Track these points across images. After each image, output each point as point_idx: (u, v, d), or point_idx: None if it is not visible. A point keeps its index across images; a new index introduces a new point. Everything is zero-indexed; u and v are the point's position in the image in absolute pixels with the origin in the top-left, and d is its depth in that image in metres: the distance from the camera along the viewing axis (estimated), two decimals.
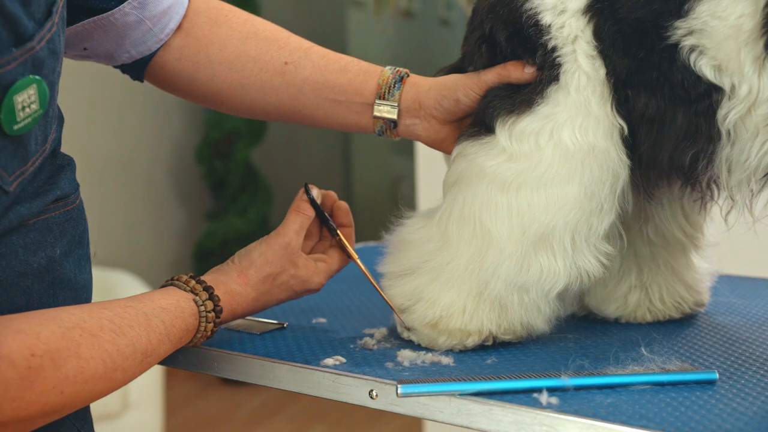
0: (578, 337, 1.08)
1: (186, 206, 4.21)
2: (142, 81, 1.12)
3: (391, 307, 1.08)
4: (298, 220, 1.09)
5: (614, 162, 1.00)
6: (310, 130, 4.56)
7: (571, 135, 1.00)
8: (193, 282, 0.99)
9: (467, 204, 1.03)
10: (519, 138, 1.01)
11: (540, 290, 1.01)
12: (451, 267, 1.03)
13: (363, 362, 0.98)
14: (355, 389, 0.93)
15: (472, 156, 1.04)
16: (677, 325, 1.12)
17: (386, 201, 4.63)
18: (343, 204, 1.14)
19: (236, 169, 4.12)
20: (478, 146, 1.04)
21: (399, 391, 0.87)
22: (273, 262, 1.05)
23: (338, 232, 1.11)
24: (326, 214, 1.11)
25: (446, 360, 0.98)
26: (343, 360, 0.98)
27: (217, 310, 0.98)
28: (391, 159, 4.92)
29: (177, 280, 0.99)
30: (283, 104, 1.11)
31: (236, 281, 1.02)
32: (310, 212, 1.09)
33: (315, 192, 1.11)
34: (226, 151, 4.12)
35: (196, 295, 0.97)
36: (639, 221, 1.13)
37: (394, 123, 1.09)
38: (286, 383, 0.97)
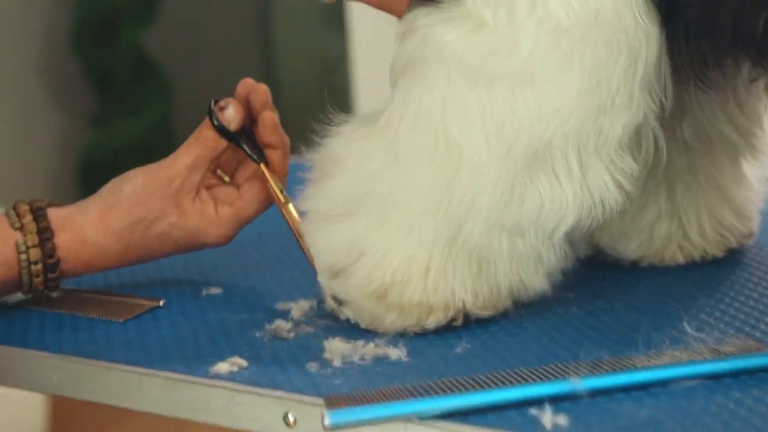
0: (582, 297, 0.89)
1: (62, 109, 3.96)
2: None
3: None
4: (193, 153, 0.92)
5: (629, 32, 0.79)
6: (216, 4, 4.30)
7: (564, 2, 0.80)
8: (29, 217, 0.89)
9: (425, 102, 0.83)
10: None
11: (541, 230, 0.82)
12: (405, 197, 0.83)
13: (273, 363, 0.78)
14: (262, 412, 0.73)
15: (427, 28, 0.83)
16: (725, 272, 0.94)
17: (318, 95, 4.41)
18: (269, 116, 0.94)
19: (124, 59, 3.88)
20: (435, 13, 0.83)
21: (326, 422, 0.68)
22: (147, 203, 0.90)
23: (261, 165, 0.93)
24: (241, 137, 0.93)
25: (396, 352, 0.79)
26: (244, 363, 0.78)
27: (50, 264, 0.88)
28: (321, 35, 4.68)
29: (16, 208, 0.90)
30: None
31: (93, 224, 0.90)
32: (215, 143, 0.92)
33: (230, 112, 0.92)
34: (109, 36, 3.86)
35: (25, 236, 0.88)
36: (671, 119, 0.93)
37: None
38: (159, 405, 0.78)
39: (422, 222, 0.83)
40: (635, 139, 0.84)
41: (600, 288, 0.91)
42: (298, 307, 0.89)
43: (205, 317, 0.89)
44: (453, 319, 0.83)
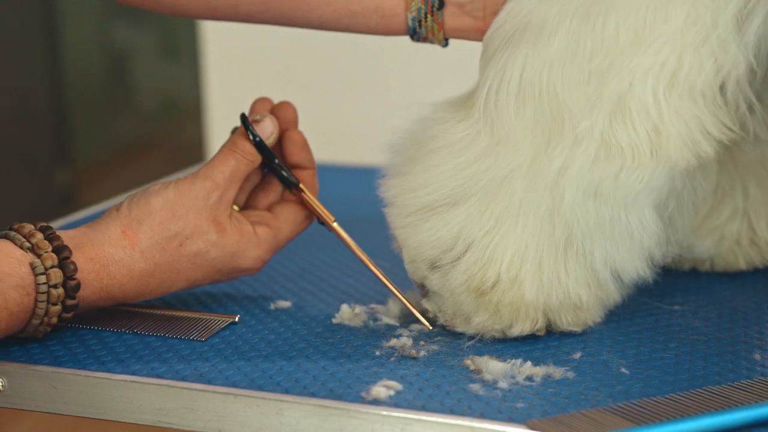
0: (692, 311, 0.85)
1: None
2: None
3: (399, 297, 0.82)
4: (231, 164, 0.83)
5: None
6: None
7: None
8: (39, 235, 0.76)
9: (529, 65, 0.77)
10: None
11: (621, 193, 0.77)
12: (507, 178, 0.78)
13: (429, 386, 0.70)
14: None
15: None
16: None
17: (106, 85, 4.23)
18: (298, 134, 0.87)
19: None
20: None
21: None
22: (183, 218, 0.80)
23: (302, 186, 0.85)
24: (278, 161, 0.85)
25: (557, 371, 0.73)
26: (399, 387, 0.70)
27: (70, 286, 0.75)
28: (110, 28, 4.49)
29: (17, 229, 0.77)
30: None
31: (116, 241, 0.78)
32: (252, 156, 0.84)
33: (268, 125, 0.85)
34: None
35: (38, 256, 0.75)
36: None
37: (439, 1, 0.82)
38: None
39: (526, 206, 0.77)
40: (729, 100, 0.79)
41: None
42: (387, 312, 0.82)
43: (298, 333, 0.80)
44: (537, 330, 0.79)
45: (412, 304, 0.81)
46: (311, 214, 0.85)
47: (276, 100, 0.88)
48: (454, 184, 0.79)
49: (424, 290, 0.81)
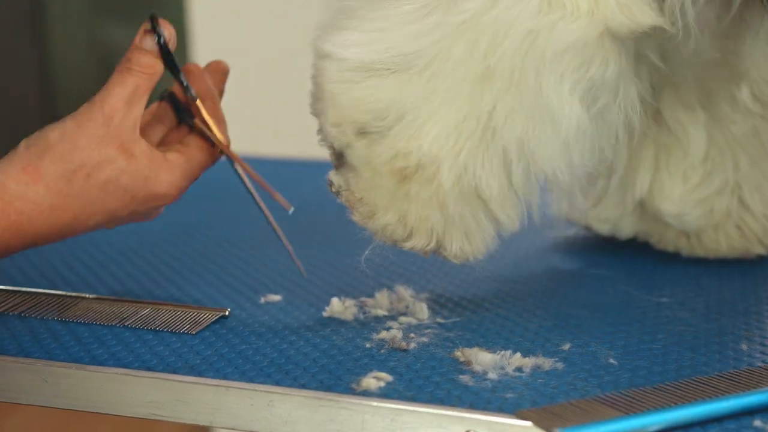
0: (679, 301, 0.86)
1: None
2: None
3: (280, 235, 0.85)
4: (130, 83, 0.78)
5: None
6: None
7: None
8: None
9: None
10: None
11: (567, 60, 0.75)
12: (456, 55, 0.76)
13: (419, 378, 0.71)
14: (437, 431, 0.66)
15: None
16: None
17: (97, 85, 4.20)
18: (192, 66, 0.84)
19: None
20: None
21: None
22: (86, 147, 0.76)
23: (198, 103, 0.82)
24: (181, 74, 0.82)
25: (546, 362, 0.73)
26: (389, 378, 0.70)
27: None
28: (99, 25, 4.48)
29: None
30: None
31: (17, 178, 0.75)
32: (152, 68, 0.79)
33: (167, 32, 0.80)
34: None
35: None
36: (728, 82, 0.91)
37: None
38: (296, 426, 0.68)
39: (463, 73, 0.75)
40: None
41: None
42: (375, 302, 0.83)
43: (288, 327, 0.80)
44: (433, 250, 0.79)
45: (292, 249, 0.83)
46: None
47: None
48: (406, 48, 0.76)
49: (339, 161, 0.79)
